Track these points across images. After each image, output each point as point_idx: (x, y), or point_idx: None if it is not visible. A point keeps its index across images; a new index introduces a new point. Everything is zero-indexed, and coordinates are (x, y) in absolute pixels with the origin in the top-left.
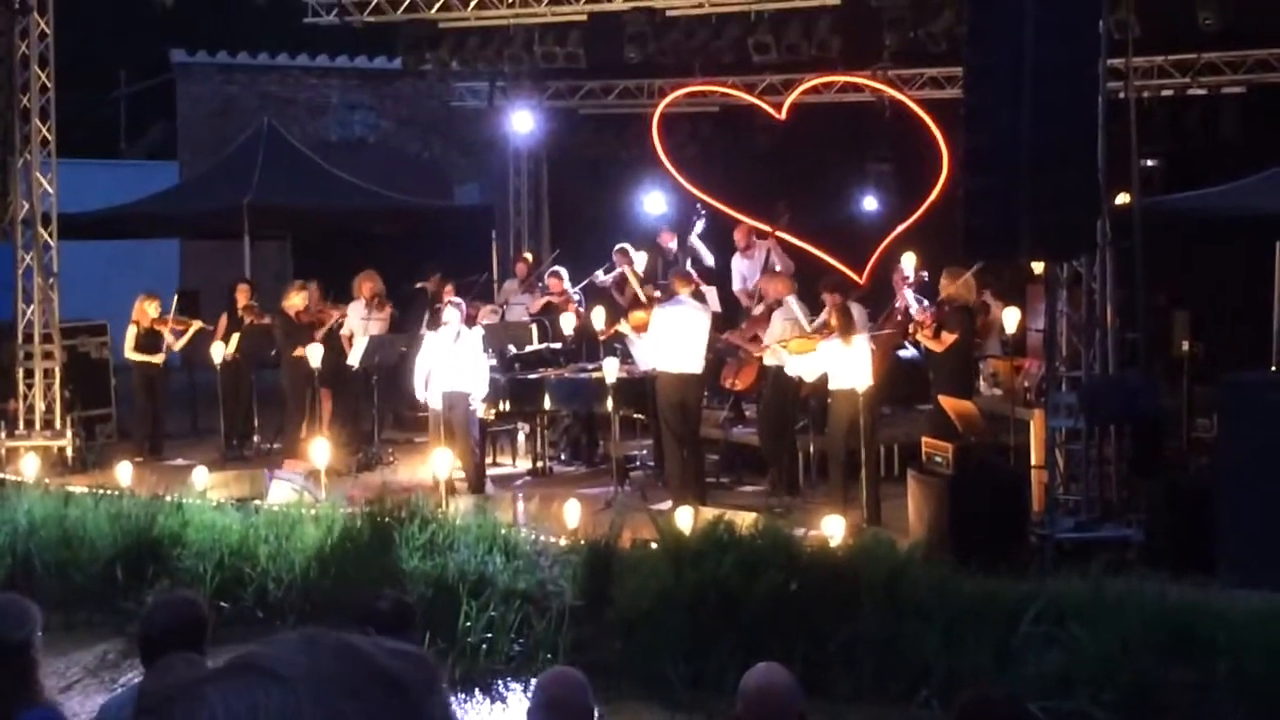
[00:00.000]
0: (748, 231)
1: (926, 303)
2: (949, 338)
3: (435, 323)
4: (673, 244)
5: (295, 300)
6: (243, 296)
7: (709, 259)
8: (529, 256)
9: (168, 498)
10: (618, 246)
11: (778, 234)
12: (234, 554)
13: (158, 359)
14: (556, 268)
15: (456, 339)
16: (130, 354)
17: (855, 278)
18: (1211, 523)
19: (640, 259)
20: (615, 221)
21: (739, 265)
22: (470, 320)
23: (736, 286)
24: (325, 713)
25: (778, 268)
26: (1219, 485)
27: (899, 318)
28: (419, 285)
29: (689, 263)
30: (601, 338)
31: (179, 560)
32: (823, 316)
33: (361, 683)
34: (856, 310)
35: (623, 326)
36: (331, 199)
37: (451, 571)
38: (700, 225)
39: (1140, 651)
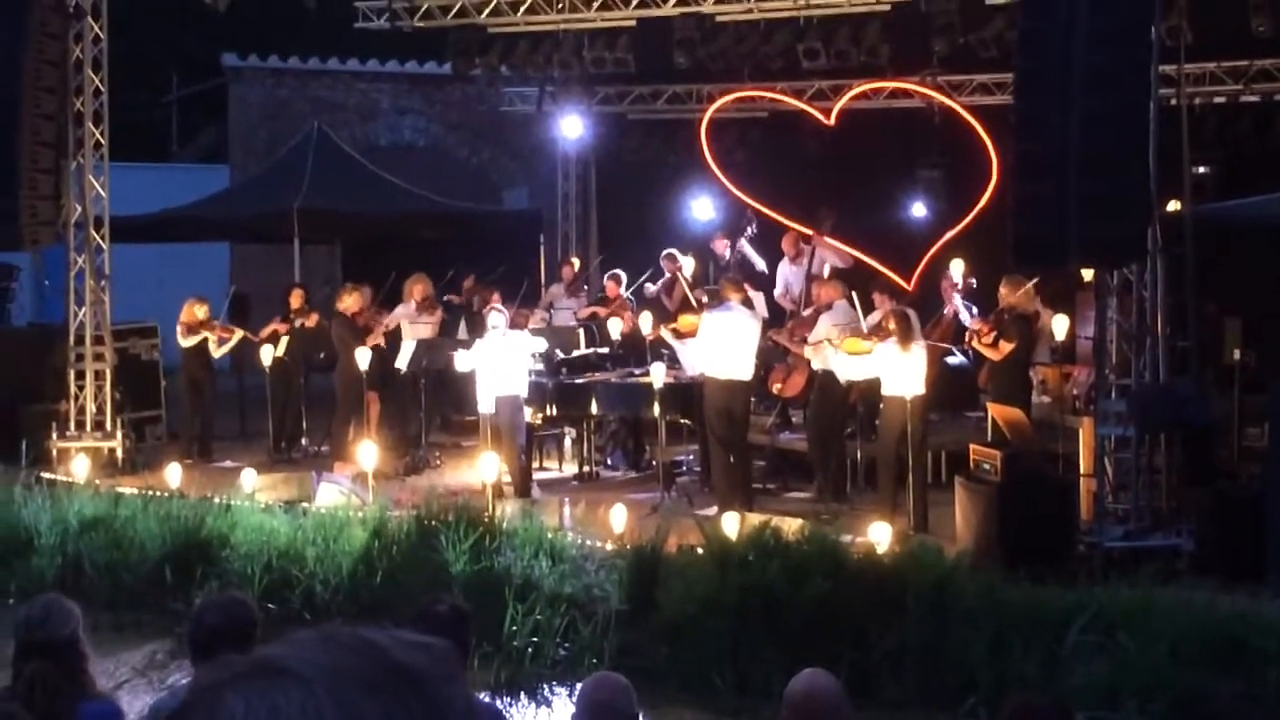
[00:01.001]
0: (796, 238)
1: (975, 310)
2: (1007, 347)
3: (474, 329)
4: (725, 250)
5: (349, 301)
6: (296, 300)
7: (760, 264)
8: (575, 261)
9: (216, 499)
10: (666, 252)
11: (823, 238)
12: (281, 556)
13: (207, 351)
14: (616, 270)
15: (503, 342)
16: (183, 340)
17: (903, 284)
18: (1262, 532)
19: (688, 264)
20: (662, 227)
21: (785, 272)
22: (516, 326)
23: (779, 291)
24: (345, 711)
25: (827, 271)
26: (1270, 494)
27: (948, 325)
28: (448, 299)
29: (739, 269)
30: (649, 340)
31: (227, 562)
32: (875, 317)
33: (379, 677)
34: (912, 317)
35: (664, 333)
36: (381, 204)
37: (498, 575)
38: (751, 231)
39: (1190, 661)
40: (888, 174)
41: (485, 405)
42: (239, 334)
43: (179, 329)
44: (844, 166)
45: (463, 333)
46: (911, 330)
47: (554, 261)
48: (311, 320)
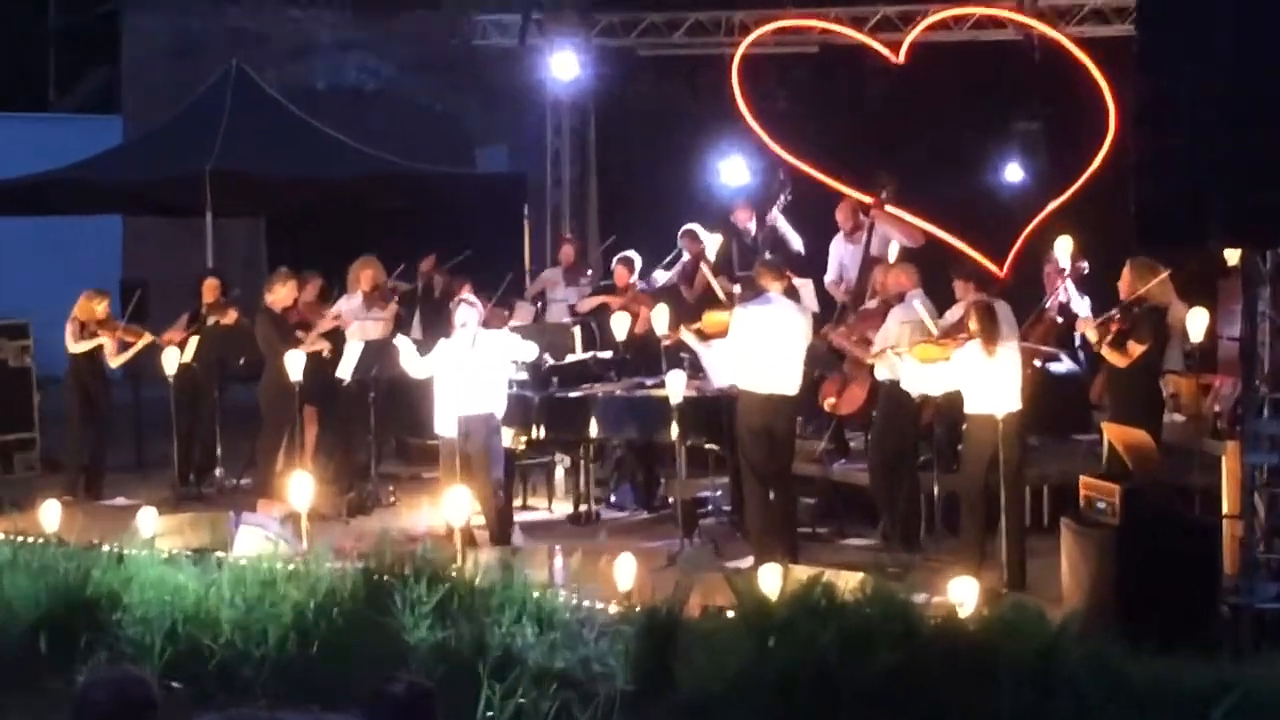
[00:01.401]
0: (854, 208)
1: (1089, 302)
2: (1138, 349)
3: (432, 325)
4: (751, 223)
5: (281, 293)
6: (210, 291)
7: (796, 243)
8: (574, 240)
9: (106, 548)
10: (685, 228)
11: (883, 209)
12: (190, 620)
13: (102, 358)
14: (628, 253)
15: (473, 346)
16: (75, 344)
17: (994, 269)
18: None
19: (713, 243)
20: (681, 195)
21: (840, 251)
22: (492, 325)
23: (830, 278)
24: None
25: (893, 252)
26: None
27: (1051, 322)
28: (391, 286)
29: (769, 249)
30: (666, 344)
31: (120, 627)
32: (954, 313)
33: None
34: (1002, 310)
35: (686, 334)
36: (317, 165)
37: (469, 646)
38: (785, 198)
39: None
40: (972, 127)
41: (444, 427)
42: (145, 338)
43: (70, 329)
44: (915, 117)
45: (416, 330)
46: (998, 327)
47: (541, 240)
48: (229, 317)
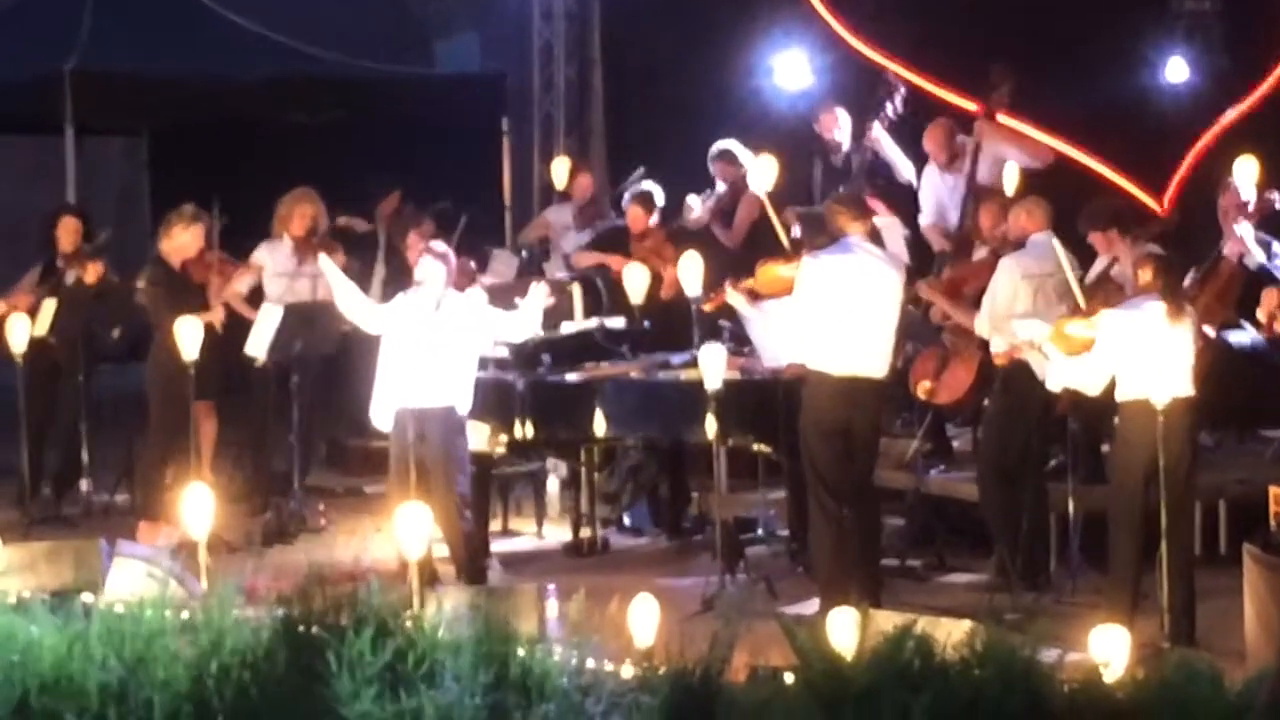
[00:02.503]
0: (948, 132)
1: None
2: None
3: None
4: (841, 131)
5: (182, 239)
6: (68, 236)
7: (906, 171)
8: (564, 160)
9: None
10: (717, 147)
11: (994, 118)
12: (47, 690)
13: None
14: (644, 186)
15: (437, 312)
16: None
17: (1151, 202)
18: None
19: (762, 169)
20: (720, 103)
21: (935, 185)
22: (465, 281)
23: (928, 220)
24: None
25: (1011, 176)
26: None
27: (1231, 277)
28: (344, 223)
29: (866, 176)
30: (707, 308)
31: None
32: (1099, 267)
33: None
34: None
35: (733, 297)
36: (219, 62)
37: None
38: (895, 107)
39: None
40: (1119, 10)
41: (383, 419)
42: None
43: None
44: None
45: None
46: (1180, 288)
47: (524, 164)
48: (92, 272)
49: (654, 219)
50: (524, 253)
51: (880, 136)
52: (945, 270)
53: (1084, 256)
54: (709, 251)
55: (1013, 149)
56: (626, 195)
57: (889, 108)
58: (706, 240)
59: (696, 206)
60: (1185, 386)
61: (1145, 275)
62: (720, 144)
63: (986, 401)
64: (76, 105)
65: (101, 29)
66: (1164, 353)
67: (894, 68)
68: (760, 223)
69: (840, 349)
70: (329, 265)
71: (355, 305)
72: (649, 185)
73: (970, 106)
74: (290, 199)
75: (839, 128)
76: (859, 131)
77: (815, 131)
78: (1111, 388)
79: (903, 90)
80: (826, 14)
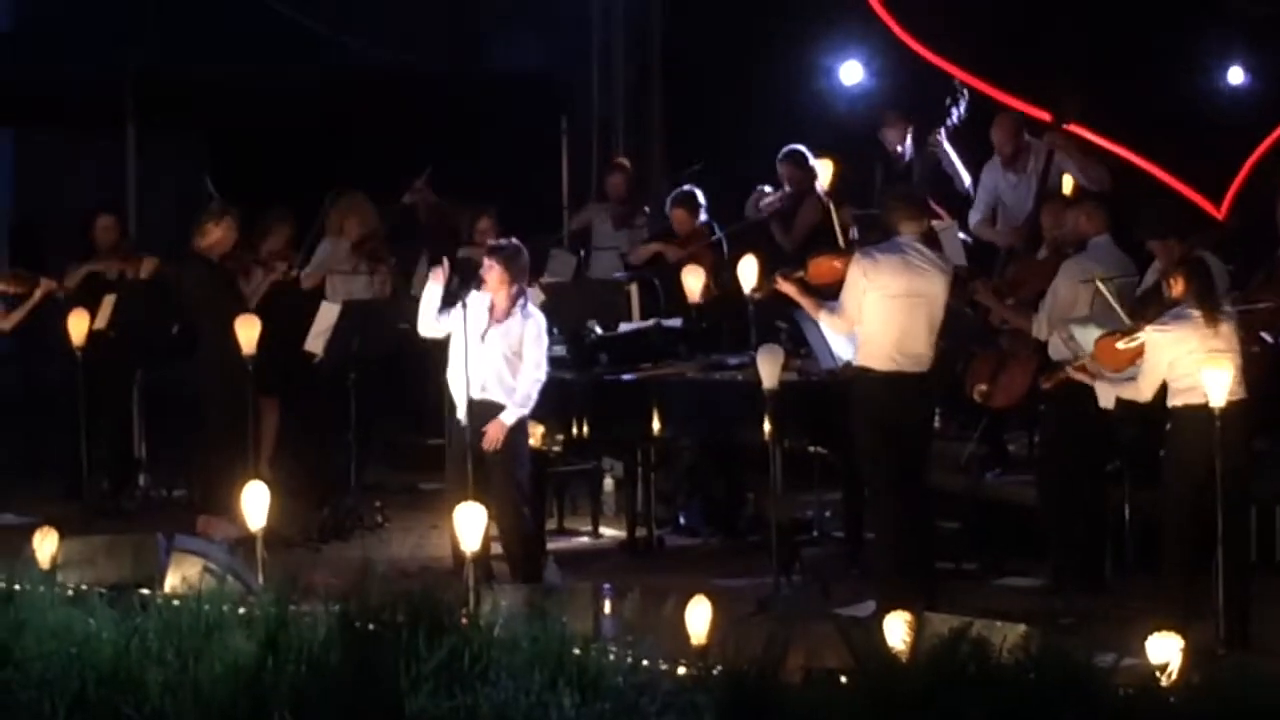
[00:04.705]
0: (1016, 125)
1: None
2: None
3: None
4: (904, 142)
5: (215, 234)
6: (106, 235)
7: (964, 178)
8: (625, 163)
9: None
10: (788, 149)
11: (1067, 134)
12: (105, 682)
13: None
14: (687, 188)
15: (482, 343)
16: None
17: (1210, 207)
18: None
19: (824, 171)
20: (781, 107)
21: (994, 181)
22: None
23: (978, 215)
24: None
25: (1067, 183)
26: None
27: None
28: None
29: (928, 183)
30: (755, 298)
31: (9, 691)
32: (1152, 277)
33: None
34: (1214, 266)
35: (786, 288)
36: (281, 62)
37: (485, 717)
38: (958, 115)
39: None
40: (1175, 13)
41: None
42: (43, 286)
43: None
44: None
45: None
46: (1215, 292)
47: (583, 166)
48: (146, 267)
49: (701, 218)
50: (581, 252)
51: (943, 144)
52: (1008, 272)
53: (1140, 258)
54: (764, 253)
55: (1074, 166)
56: (669, 200)
57: (954, 114)
58: (762, 241)
59: (766, 196)
60: (1238, 390)
61: (1177, 287)
62: (790, 147)
63: (1042, 405)
64: (138, 104)
65: (162, 28)
66: (1209, 360)
67: (960, 74)
68: (820, 227)
69: (885, 346)
70: (432, 290)
71: (433, 326)
72: (690, 188)
73: (1045, 116)
74: (343, 205)
75: (903, 135)
76: (920, 138)
77: (878, 137)
78: (1163, 395)
79: (966, 97)
80: (890, 20)
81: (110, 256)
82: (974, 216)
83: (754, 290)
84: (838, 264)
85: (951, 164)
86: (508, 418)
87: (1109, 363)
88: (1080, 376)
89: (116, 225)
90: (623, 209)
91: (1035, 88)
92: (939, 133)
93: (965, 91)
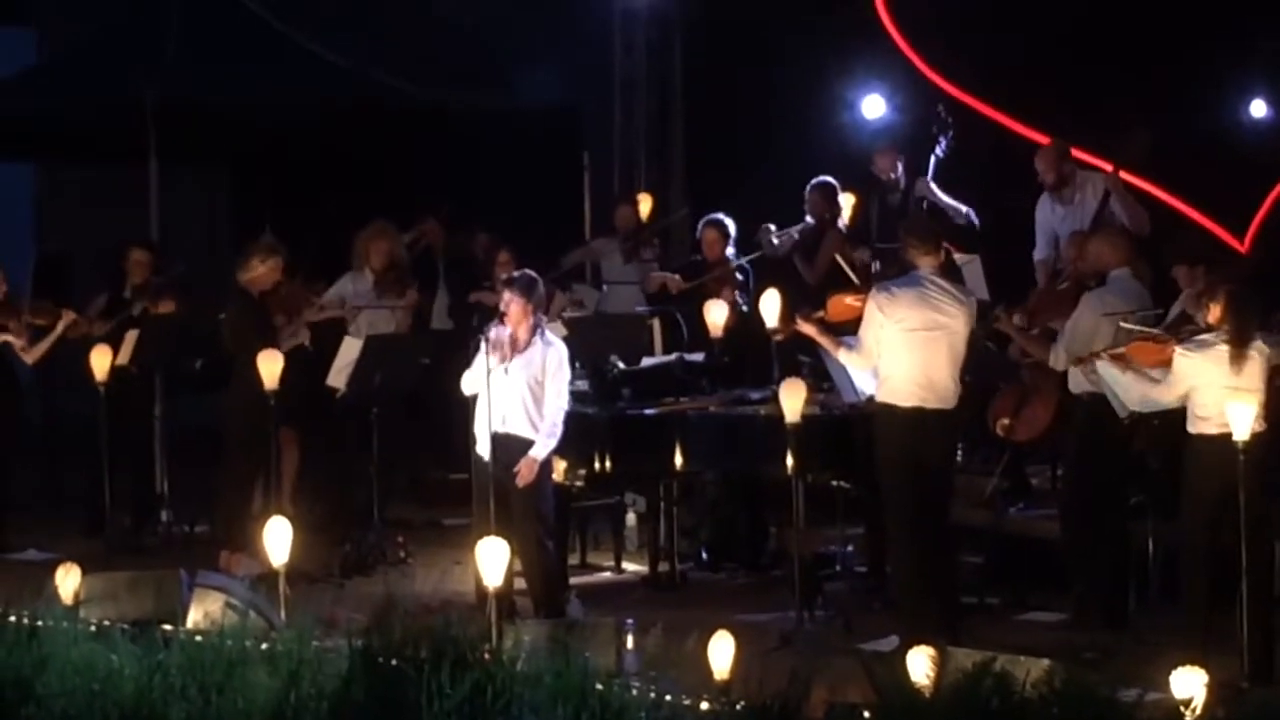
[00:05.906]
0: (1061, 151)
1: None
2: None
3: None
4: (897, 173)
5: (261, 270)
6: (138, 270)
7: (960, 208)
8: (647, 199)
9: (12, 618)
10: (818, 180)
11: (1120, 180)
12: (128, 719)
13: (8, 355)
14: (718, 215)
15: (506, 377)
16: None
17: (1232, 240)
18: None
19: (846, 206)
20: (803, 140)
21: (1048, 216)
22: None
23: (1041, 254)
24: None
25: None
26: None
27: None
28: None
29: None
30: (777, 339)
31: None
32: (1177, 308)
33: None
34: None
35: (806, 329)
36: (301, 93)
37: None
38: (942, 147)
39: None
40: (1201, 46)
41: (478, 453)
42: (66, 318)
43: None
44: (1118, 33)
45: (442, 318)
46: (1251, 323)
47: (604, 199)
48: (164, 306)
49: (730, 247)
50: (602, 286)
51: (929, 185)
52: (1031, 300)
53: (1163, 294)
54: (787, 286)
55: (1124, 212)
56: (700, 224)
57: (938, 148)
58: (785, 275)
59: (772, 235)
60: (1259, 421)
61: (1216, 310)
62: (819, 178)
63: (1067, 439)
64: (160, 134)
65: (184, 58)
66: (1232, 395)
67: (984, 108)
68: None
69: (906, 381)
70: (481, 363)
71: (468, 380)
72: (721, 215)
73: (1105, 165)
74: (367, 235)
75: (894, 165)
76: (913, 168)
77: (871, 172)
78: (1183, 415)
79: (951, 129)
80: (911, 54)
81: (139, 293)
82: (1036, 255)
83: (774, 332)
84: (856, 302)
85: (937, 198)
86: (538, 452)
87: (1143, 358)
88: (1114, 366)
89: (150, 260)
90: (631, 243)
91: (1090, 134)
92: (925, 179)
93: (951, 120)
